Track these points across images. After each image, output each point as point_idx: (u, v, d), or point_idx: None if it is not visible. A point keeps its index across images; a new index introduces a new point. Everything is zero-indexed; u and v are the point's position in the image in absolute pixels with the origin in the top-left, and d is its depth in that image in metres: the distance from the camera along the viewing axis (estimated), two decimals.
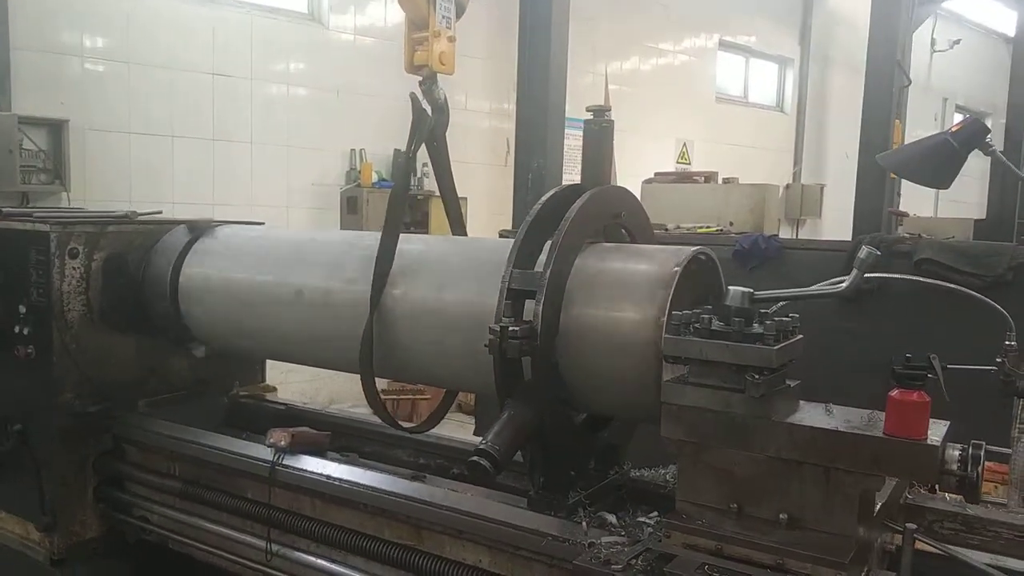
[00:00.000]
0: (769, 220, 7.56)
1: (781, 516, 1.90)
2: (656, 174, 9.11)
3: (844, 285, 2.11)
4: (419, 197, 8.34)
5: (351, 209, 8.11)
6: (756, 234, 5.38)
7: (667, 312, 2.16)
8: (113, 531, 3.49)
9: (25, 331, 3.29)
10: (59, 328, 3.25)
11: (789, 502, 1.90)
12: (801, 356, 2.00)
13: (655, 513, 2.36)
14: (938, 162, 2.63)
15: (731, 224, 7.36)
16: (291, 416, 3.59)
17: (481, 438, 2.29)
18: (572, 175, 8.15)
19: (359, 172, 8.29)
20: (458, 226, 3.09)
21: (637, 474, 2.75)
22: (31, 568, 3.45)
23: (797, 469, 1.89)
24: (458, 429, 7.26)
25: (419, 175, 8.22)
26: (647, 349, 2.22)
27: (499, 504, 2.49)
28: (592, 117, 2.58)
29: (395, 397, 8.20)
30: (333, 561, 2.77)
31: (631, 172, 9.30)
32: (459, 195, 3.08)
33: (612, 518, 2.34)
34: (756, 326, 1.91)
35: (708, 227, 7.01)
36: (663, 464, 2.74)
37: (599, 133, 2.59)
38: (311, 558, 2.82)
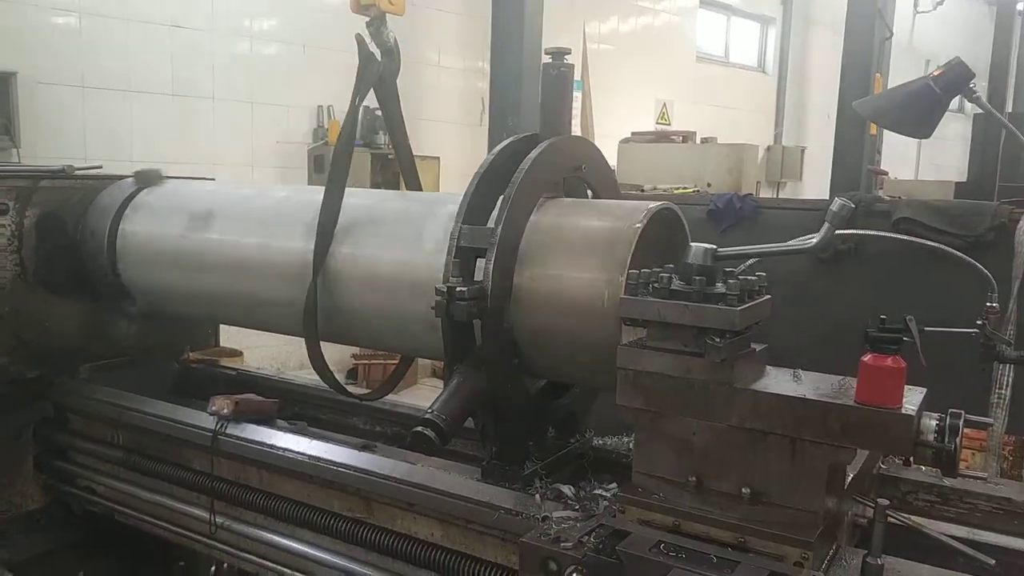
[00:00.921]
0: (747, 181, 7.42)
1: (743, 490, 1.77)
2: (633, 134, 8.91)
3: (815, 241, 1.96)
4: (389, 156, 8.08)
5: (318, 168, 7.85)
6: (730, 193, 5.21)
7: (626, 271, 2.00)
8: (57, 502, 3.35)
9: None
10: None
11: (752, 475, 1.77)
12: (770, 318, 1.86)
13: (614, 484, 2.23)
14: (919, 109, 2.47)
15: (709, 185, 7.20)
16: (242, 382, 3.43)
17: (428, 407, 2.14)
18: None
19: (327, 130, 8.02)
20: (411, 178, 2.89)
21: (600, 442, 2.62)
22: None
23: (761, 440, 1.75)
24: (432, 394, 7.12)
25: None
26: (606, 312, 2.07)
27: (451, 475, 2.35)
28: (550, 61, 2.39)
29: (366, 362, 8.04)
30: (279, 534, 2.64)
31: (609, 132, 9.10)
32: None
33: (568, 490, 2.20)
34: (719, 285, 1.75)
35: (685, 188, 6.85)
36: (627, 432, 2.60)
37: (558, 78, 2.40)
38: (256, 531, 2.70)
